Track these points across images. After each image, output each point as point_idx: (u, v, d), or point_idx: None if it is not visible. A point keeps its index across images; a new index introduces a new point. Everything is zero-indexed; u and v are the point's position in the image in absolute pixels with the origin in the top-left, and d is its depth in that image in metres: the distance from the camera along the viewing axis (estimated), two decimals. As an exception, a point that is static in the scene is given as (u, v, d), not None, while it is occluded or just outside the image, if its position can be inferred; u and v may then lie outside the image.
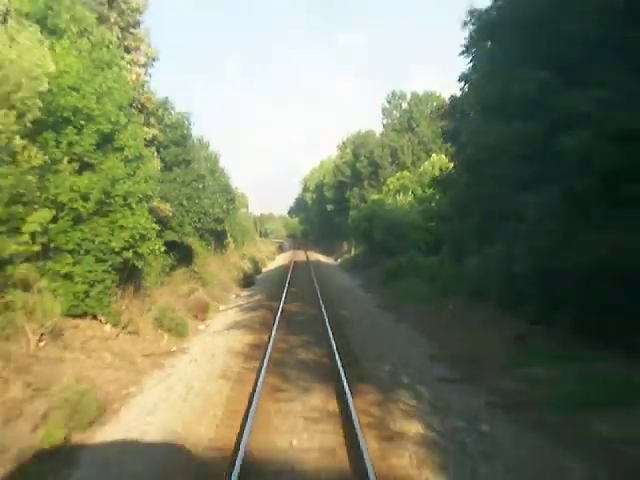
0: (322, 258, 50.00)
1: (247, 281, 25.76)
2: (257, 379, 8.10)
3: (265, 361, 9.22)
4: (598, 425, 6.15)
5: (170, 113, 18.58)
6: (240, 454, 5.36)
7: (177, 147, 17.99)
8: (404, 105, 49.46)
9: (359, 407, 6.92)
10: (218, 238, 28.75)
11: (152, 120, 16.64)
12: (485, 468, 5.28)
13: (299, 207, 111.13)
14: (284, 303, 16.98)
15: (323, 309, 15.27)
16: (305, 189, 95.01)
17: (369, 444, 5.73)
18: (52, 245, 9.94)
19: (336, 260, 47.15)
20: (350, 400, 6.95)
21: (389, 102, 50.73)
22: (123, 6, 16.60)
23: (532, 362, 8.75)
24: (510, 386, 7.95)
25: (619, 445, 5.64)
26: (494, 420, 6.58)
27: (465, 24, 12.58)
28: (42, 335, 8.57)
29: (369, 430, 6.25)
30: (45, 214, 9.10)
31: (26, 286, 8.85)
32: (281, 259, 49.23)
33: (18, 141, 8.43)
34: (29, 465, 5.52)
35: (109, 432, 6.50)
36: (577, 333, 8.95)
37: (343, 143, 62.56)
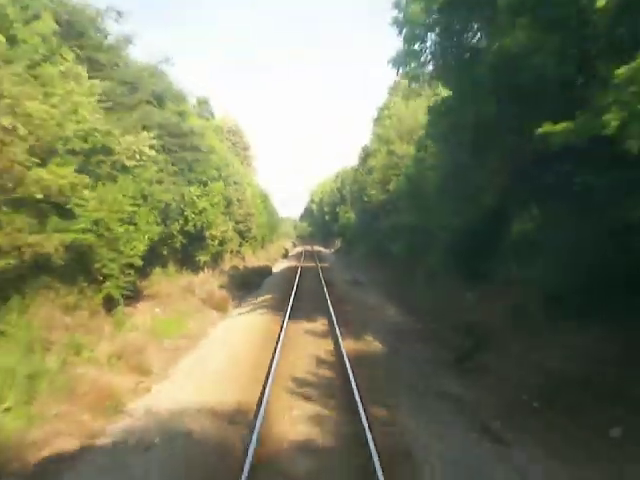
0: (322, 249, 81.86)
1: (284, 255, 57.50)
2: (298, 265, 40.05)
3: (300, 263, 41.23)
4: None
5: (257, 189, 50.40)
6: (299, 269, 37.26)
7: (263, 202, 49.69)
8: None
9: (319, 263, 38.84)
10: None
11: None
12: (336, 272, 37.32)
13: (307, 214, 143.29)
14: (303, 260, 48.74)
15: (317, 261, 47.05)
16: (312, 201, 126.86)
17: (318, 264, 37.67)
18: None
19: (330, 250, 78.87)
20: (318, 263, 39.02)
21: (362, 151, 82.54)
22: (249, 156, 48.60)
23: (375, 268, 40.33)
24: (361, 265, 39.67)
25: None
26: (345, 268, 38.51)
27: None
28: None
29: (320, 264, 38.14)
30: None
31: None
32: (297, 250, 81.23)
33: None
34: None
35: (278, 265, 38.49)
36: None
37: (337, 174, 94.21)
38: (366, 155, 34.19)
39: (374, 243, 32.51)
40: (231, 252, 32.50)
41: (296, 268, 34.62)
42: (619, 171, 6.70)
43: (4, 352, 8.68)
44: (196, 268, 24.42)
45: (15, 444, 6.81)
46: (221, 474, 5.78)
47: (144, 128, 14.40)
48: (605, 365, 8.24)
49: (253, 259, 40.01)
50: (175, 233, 19.05)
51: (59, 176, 9.64)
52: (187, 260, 23.16)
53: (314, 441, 6.67)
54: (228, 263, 30.68)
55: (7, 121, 8.70)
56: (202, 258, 24.36)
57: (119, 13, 15.30)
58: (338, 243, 77.53)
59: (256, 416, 7.17)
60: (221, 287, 21.17)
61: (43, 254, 9.63)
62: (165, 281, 18.88)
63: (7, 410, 7.28)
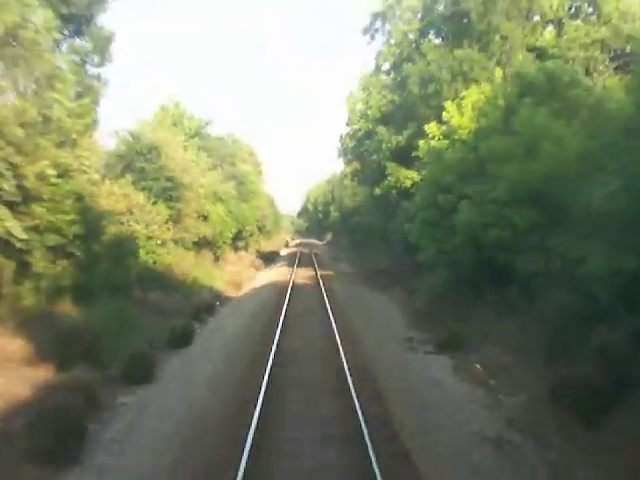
0: (316, 242, 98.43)
1: (286, 245, 73.80)
2: (298, 251, 56.41)
3: (300, 247, 57.59)
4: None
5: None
6: (299, 253, 53.63)
7: (271, 207, 65.93)
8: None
9: (312, 250, 55.24)
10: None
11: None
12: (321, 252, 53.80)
13: (303, 212, 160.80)
14: (301, 247, 64.99)
15: (312, 248, 63.31)
16: (307, 200, 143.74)
17: (312, 250, 54.07)
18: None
19: (323, 242, 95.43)
20: (312, 250, 55.42)
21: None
22: (260, 171, 64.79)
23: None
24: (342, 251, 56.02)
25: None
26: (330, 252, 54.92)
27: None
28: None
29: (313, 250, 54.52)
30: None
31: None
32: (295, 241, 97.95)
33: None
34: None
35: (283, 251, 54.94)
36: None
37: (330, 178, 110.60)
38: (343, 176, 50.52)
39: (351, 235, 48.83)
40: (253, 241, 48.68)
41: (296, 252, 50.66)
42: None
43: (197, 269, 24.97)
44: (237, 249, 40.66)
45: (217, 292, 23.18)
46: (284, 290, 22.28)
47: (228, 178, 30.71)
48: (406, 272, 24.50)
49: (265, 247, 56.26)
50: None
51: (215, 208, 25.99)
52: (232, 244, 39.41)
53: (305, 283, 24.38)
54: (252, 248, 46.86)
55: (201, 190, 24.97)
56: (240, 244, 40.64)
57: (210, 120, 31.59)
58: (329, 236, 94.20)
59: (288, 282, 23.78)
60: (256, 259, 37.52)
61: (206, 235, 25.86)
62: (226, 254, 35.17)
63: (215, 281, 23.68)
